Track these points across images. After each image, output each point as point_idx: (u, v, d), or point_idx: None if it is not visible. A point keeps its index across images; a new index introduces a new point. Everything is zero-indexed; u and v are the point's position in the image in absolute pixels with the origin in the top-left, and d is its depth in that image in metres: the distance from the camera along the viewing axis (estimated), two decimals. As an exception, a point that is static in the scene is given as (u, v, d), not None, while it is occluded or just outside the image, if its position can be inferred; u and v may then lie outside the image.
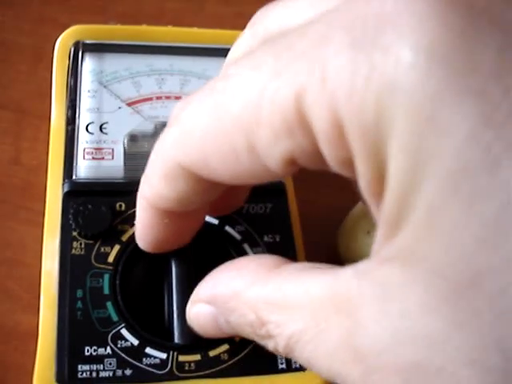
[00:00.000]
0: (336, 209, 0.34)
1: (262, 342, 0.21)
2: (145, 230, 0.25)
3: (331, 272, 0.18)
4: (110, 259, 0.28)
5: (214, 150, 0.20)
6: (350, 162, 0.17)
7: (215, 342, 0.27)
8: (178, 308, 0.27)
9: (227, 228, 0.29)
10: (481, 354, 0.14)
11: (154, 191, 0.23)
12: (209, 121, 0.20)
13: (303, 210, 0.33)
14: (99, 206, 0.28)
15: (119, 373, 0.25)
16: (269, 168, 0.19)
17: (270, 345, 0.21)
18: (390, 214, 0.17)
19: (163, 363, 0.26)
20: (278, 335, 0.20)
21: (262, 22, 0.23)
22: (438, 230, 0.15)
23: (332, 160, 0.17)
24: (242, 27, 0.37)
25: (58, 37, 0.34)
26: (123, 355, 0.26)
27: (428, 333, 0.15)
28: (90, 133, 0.31)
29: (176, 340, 0.27)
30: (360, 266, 0.17)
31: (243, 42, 0.24)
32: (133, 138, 0.31)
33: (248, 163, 0.19)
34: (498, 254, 0.14)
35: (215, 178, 0.21)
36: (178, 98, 0.33)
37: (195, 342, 0.26)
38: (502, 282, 0.14)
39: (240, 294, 0.21)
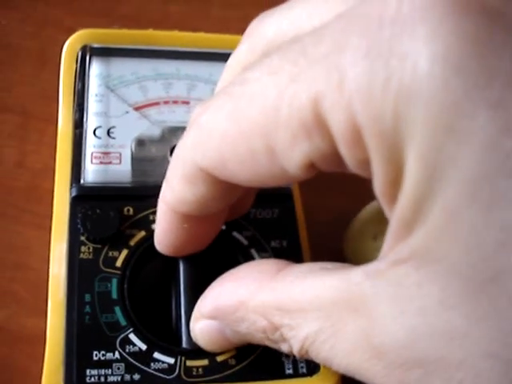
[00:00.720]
0: (342, 213, 0.35)
1: (276, 346, 0.22)
2: (164, 233, 0.26)
3: (340, 273, 0.19)
4: (118, 263, 0.28)
5: (232, 152, 0.20)
6: (367, 163, 0.17)
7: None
8: (185, 313, 0.27)
9: (234, 233, 0.29)
10: (501, 348, 0.15)
11: (175, 195, 0.23)
12: (227, 124, 0.20)
13: (308, 215, 0.33)
14: (107, 211, 0.28)
15: (127, 377, 0.26)
16: (287, 170, 0.19)
17: (284, 348, 0.21)
18: (404, 216, 0.17)
19: (171, 368, 0.26)
20: (293, 338, 0.20)
21: (260, 32, 0.23)
22: (456, 231, 0.16)
23: (350, 161, 0.18)
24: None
25: (62, 40, 0.34)
26: (131, 360, 0.26)
27: (448, 328, 0.16)
28: (97, 137, 0.31)
29: (184, 345, 0.27)
30: (370, 267, 0.18)
31: (242, 52, 0.24)
32: (140, 142, 0.31)
33: (266, 165, 0.19)
34: None
35: (233, 179, 0.21)
36: (185, 102, 0.33)
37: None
38: None
39: (247, 303, 0.22)
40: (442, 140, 0.15)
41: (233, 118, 0.20)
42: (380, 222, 0.32)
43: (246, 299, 0.22)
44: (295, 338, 0.20)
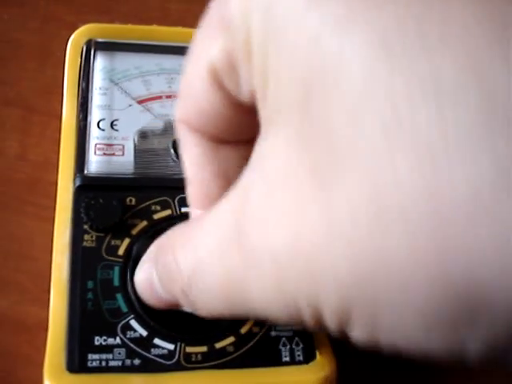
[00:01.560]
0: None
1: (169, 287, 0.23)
2: (196, 171, 0.25)
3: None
4: (120, 252, 0.28)
5: None
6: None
7: (222, 334, 0.27)
8: None
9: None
10: None
11: (190, 106, 0.23)
12: None
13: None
14: (110, 200, 0.29)
15: (128, 362, 0.26)
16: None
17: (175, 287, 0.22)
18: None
19: (171, 354, 0.27)
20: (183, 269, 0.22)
21: None
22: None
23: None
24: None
25: (64, 35, 0.35)
26: (132, 345, 0.26)
27: None
28: (101, 129, 0.31)
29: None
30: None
31: None
32: (143, 134, 0.32)
33: None
34: None
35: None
36: (186, 97, 0.33)
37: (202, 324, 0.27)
38: None
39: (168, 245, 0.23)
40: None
41: None
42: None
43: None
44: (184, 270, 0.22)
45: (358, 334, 0.17)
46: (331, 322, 0.17)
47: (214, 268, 0.20)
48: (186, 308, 0.23)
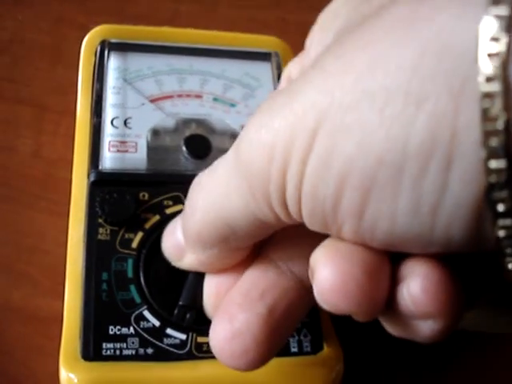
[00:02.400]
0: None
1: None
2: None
3: None
4: (134, 245, 0.29)
5: None
6: None
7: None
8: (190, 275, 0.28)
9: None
10: None
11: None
12: None
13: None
14: (124, 195, 0.30)
15: (141, 351, 0.27)
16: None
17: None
18: None
19: (183, 343, 0.27)
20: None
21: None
22: None
23: None
24: (254, 31, 0.39)
25: (75, 36, 0.36)
26: (145, 335, 0.27)
27: None
28: (114, 127, 0.32)
29: (181, 301, 0.28)
30: None
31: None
32: (155, 132, 0.33)
33: None
34: None
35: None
36: (198, 96, 0.34)
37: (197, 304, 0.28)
38: None
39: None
40: None
41: None
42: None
43: None
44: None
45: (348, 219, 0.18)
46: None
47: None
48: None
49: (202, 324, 0.28)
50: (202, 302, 0.28)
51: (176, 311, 0.28)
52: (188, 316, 0.28)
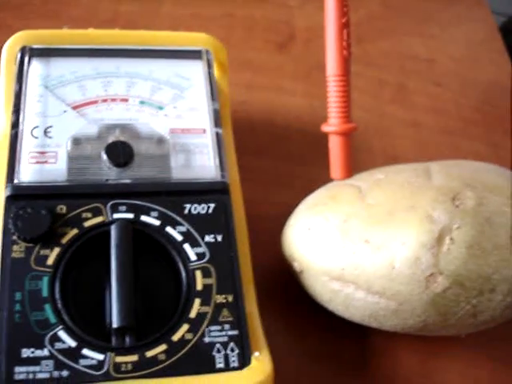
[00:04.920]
0: (290, 207, 0.34)
1: None
2: None
3: None
4: (50, 262, 0.28)
5: None
6: None
7: (153, 342, 0.27)
8: (116, 293, 0.27)
9: (168, 229, 0.29)
10: None
11: None
12: None
13: (254, 210, 0.33)
14: (38, 210, 0.28)
15: (56, 374, 0.26)
16: None
17: None
18: None
19: (100, 364, 0.26)
20: None
21: None
22: None
23: None
24: (197, 28, 0.37)
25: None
26: (60, 357, 0.26)
27: None
28: (34, 137, 0.31)
29: (115, 324, 0.27)
30: None
31: None
32: (76, 141, 0.31)
33: None
34: None
35: None
36: (123, 100, 0.33)
37: (133, 323, 0.27)
38: None
39: None
40: None
41: None
42: (312, 213, 0.32)
43: None
44: None
45: None
46: None
47: None
48: None
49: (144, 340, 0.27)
50: (138, 318, 0.27)
51: (113, 337, 0.27)
52: (128, 338, 0.27)
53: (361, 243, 0.30)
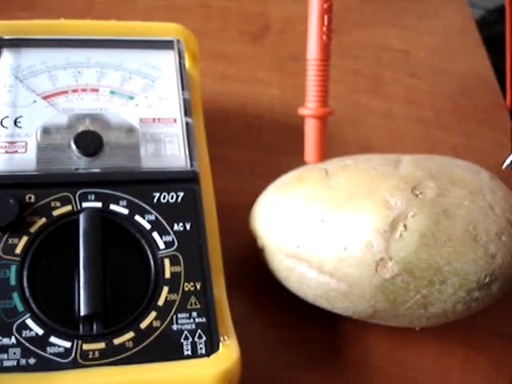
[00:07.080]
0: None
1: None
2: None
3: None
4: (18, 250, 0.28)
5: None
6: None
7: (121, 330, 0.27)
8: (84, 280, 0.27)
9: (137, 217, 0.29)
10: None
11: None
12: None
13: (227, 198, 0.34)
14: (7, 199, 0.28)
15: (23, 362, 0.26)
16: None
17: None
18: None
19: (67, 352, 0.26)
20: None
21: None
22: None
23: None
24: (172, 19, 0.37)
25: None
26: (27, 344, 0.26)
27: None
28: (4, 127, 0.31)
29: (82, 312, 0.27)
30: None
31: None
32: (46, 130, 0.31)
33: None
34: None
35: None
36: (94, 90, 0.33)
37: (101, 310, 0.27)
38: None
39: None
40: None
41: None
42: (277, 191, 0.32)
43: None
44: None
45: None
46: None
47: None
48: None
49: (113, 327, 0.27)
50: (106, 306, 0.27)
51: (81, 325, 0.27)
52: (96, 326, 0.27)
53: (317, 223, 0.30)
